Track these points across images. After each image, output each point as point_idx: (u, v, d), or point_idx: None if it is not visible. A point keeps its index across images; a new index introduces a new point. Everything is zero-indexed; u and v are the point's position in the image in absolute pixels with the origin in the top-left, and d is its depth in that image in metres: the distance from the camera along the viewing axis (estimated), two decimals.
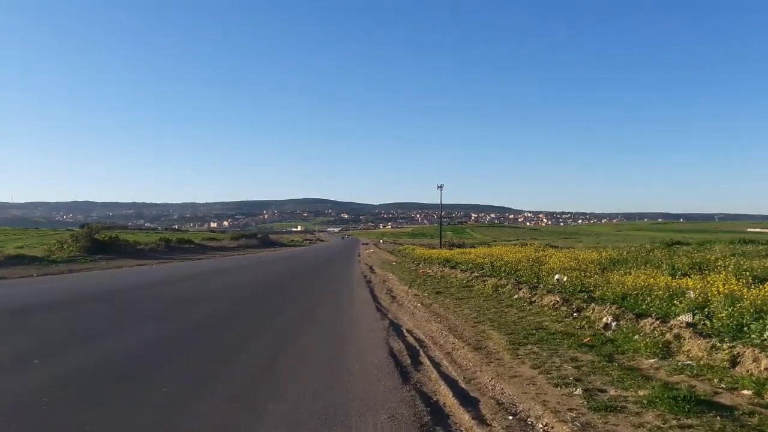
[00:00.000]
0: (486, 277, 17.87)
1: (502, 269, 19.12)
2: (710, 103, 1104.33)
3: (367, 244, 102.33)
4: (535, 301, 12.21)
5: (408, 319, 11.66)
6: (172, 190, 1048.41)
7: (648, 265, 14.05)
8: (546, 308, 11.24)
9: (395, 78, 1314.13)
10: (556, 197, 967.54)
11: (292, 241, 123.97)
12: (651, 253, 18.60)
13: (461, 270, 21.94)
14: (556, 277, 14.38)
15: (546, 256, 20.07)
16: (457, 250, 38.92)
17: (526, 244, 29.38)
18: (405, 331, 10.07)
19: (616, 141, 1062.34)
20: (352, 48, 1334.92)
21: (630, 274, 12.49)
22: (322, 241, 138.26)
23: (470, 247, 61.77)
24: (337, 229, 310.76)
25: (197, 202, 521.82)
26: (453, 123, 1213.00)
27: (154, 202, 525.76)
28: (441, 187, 67.77)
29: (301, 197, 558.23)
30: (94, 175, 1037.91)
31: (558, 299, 11.24)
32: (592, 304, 10.19)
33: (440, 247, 61.12)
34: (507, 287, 14.69)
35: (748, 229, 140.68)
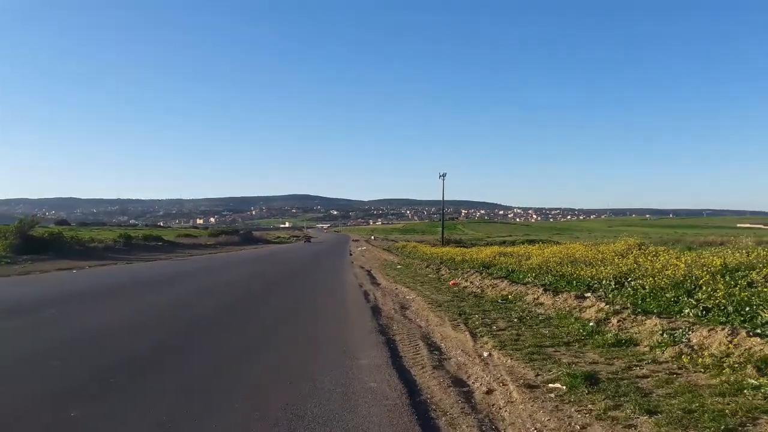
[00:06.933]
0: (639, 315, 8.55)
1: (648, 292, 9.59)
2: (697, 100, 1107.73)
3: (357, 240, 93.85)
4: None
5: None
6: (158, 186, 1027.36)
7: None
8: None
9: (384, 75, 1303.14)
10: (544, 193, 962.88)
11: (278, 237, 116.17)
12: None
13: (544, 289, 11.84)
14: None
15: (734, 261, 9.89)
16: (496, 248, 29.68)
17: (615, 242, 18.91)
18: None
19: (603, 138, 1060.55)
20: (341, 45, 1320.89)
21: None
22: (309, 237, 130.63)
23: (471, 245, 52.64)
24: (326, 226, 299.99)
25: (183, 198, 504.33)
26: (443, 120, 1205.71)
27: (139, 198, 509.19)
28: (443, 176, 58.73)
29: (290, 193, 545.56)
30: (79, 171, 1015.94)
31: None
32: None
33: (442, 245, 52.51)
34: (759, 360, 5.58)
35: (738, 225, 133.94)
